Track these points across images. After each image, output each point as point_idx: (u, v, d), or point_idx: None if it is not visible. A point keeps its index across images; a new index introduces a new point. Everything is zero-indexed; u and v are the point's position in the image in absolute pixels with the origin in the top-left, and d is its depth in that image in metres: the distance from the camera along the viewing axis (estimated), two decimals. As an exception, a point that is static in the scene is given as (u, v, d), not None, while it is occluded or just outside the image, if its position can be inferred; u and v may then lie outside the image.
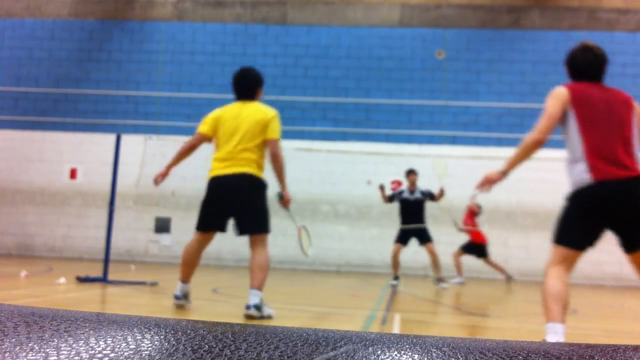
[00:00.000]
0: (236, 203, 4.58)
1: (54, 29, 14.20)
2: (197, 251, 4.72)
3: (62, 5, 14.25)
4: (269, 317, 4.43)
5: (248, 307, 4.35)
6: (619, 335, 4.72)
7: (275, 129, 4.69)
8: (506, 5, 13.43)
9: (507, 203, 12.62)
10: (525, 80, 13.13)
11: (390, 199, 9.22)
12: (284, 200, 4.96)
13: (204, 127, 4.77)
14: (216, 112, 4.79)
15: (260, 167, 4.66)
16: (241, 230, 4.64)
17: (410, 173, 9.22)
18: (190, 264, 4.70)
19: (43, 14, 14.26)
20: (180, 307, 4.75)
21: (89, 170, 13.44)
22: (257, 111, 4.69)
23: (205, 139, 4.78)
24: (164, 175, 4.92)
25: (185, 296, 4.75)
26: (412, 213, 9.05)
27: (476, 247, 10.64)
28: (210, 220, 4.66)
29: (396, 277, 9.07)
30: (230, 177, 4.56)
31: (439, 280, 8.92)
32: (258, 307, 4.34)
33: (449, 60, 13.14)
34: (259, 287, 4.45)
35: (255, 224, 4.63)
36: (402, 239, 9.08)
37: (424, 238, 9.00)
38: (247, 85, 4.79)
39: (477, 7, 13.47)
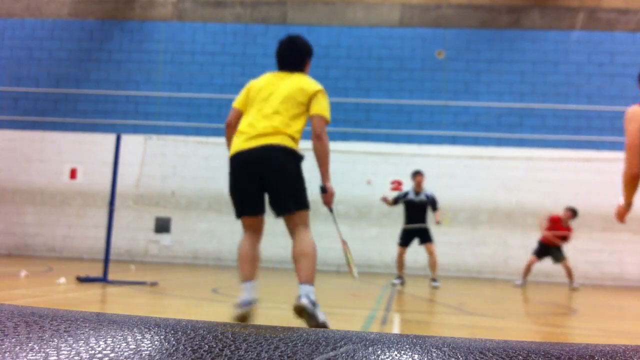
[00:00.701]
0: (266, 180, 3.82)
1: (54, 29, 14.20)
2: (250, 243, 3.92)
3: (62, 5, 14.25)
4: (323, 325, 3.52)
5: (300, 297, 3.54)
6: (619, 335, 4.72)
7: (322, 105, 3.93)
8: (506, 5, 13.43)
9: (507, 203, 12.62)
10: (525, 80, 13.13)
11: (395, 201, 9.27)
12: (326, 194, 4.02)
13: (236, 100, 4.07)
14: (251, 83, 4.10)
15: (294, 141, 3.91)
16: (277, 211, 3.87)
17: (417, 174, 9.29)
18: (247, 258, 3.87)
19: (43, 14, 14.26)
20: (243, 319, 3.72)
21: (89, 170, 13.44)
22: (301, 80, 3.95)
23: (238, 113, 4.02)
24: None
25: (250, 302, 3.72)
26: (416, 214, 9.12)
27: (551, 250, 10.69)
28: (244, 204, 3.91)
29: (399, 277, 9.15)
30: (255, 151, 3.76)
31: (434, 280, 9.00)
32: (312, 303, 3.53)
33: (449, 60, 13.14)
34: (308, 280, 3.62)
35: (291, 201, 3.81)
36: (405, 241, 9.18)
37: (426, 238, 9.07)
38: (294, 53, 4.07)
39: (477, 7, 13.47)
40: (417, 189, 9.20)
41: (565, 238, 10.49)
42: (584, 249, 12.44)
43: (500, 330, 4.58)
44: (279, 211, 3.86)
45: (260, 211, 3.94)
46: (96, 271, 7.52)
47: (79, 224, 13.41)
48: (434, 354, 0.41)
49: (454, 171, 12.65)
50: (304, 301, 3.50)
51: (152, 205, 13.10)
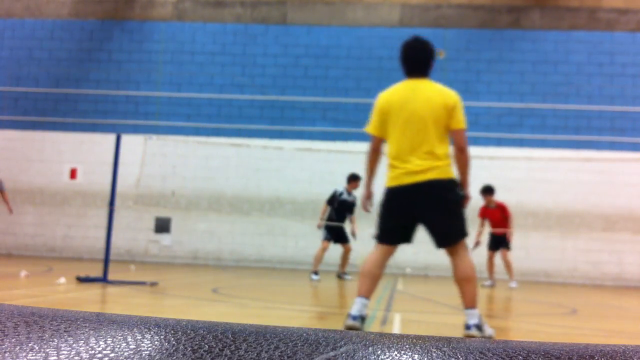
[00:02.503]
0: (427, 215, 3.83)
1: (54, 29, 14.20)
2: (382, 263, 3.91)
3: (62, 5, 14.25)
4: (490, 337, 3.65)
5: (468, 327, 3.71)
6: (619, 335, 4.72)
7: (461, 116, 3.87)
8: (506, 5, 13.43)
9: (507, 203, 12.60)
10: (525, 80, 13.13)
11: (329, 203, 9.85)
12: (465, 199, 4.05)
13: (371, 127, 4.01)
14: (381, 101, 3.96)
15: (447, 162, 3.85)
16: (439, 243, 3.88)
17: (356, 179, 9.77)
18: (373, 276, 3.86)
19: (43, 14, 14.26)
20: (354, 328, 3.73)
21: (89, 170, 13.44)
22: (437, 93, 3.87)
23: (379, 140, 4.00)
24: (368, 197, 4.14)
25: (361, 318, 3.78)
26: (344, 213, 9.86)
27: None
28: (395, 234, 3.92)
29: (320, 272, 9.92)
30: (417, 187, 3.76)
31: (344, 274, 9.91)
32: (479, 327, 3.70)
33: (449, 60, 13.14)
34: (472, 305, 3.75)
35: (454, 232, 3.84)
36: (333, 237, 9.86)
37: (347, 239, 9.87)
38: (421, 57, 3.94)
39: (477, 7, 13.47)
40: (349, 191, 9.84)
41: (504, 220, 10.18)
42: (584, 249, 12.44)
43: (500, 330, 4.58)
44: (441, 245, 3.88)
45: (405, 241, 3.96)
46: (96, 271, 7.51)
47: (79, 224, 13.41)
48: (434, 354, 0.41)
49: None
50: (474, 332, 3.64)
51: (152, 205, 13.10)
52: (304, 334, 0.43)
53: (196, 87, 13.70)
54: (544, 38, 13.28)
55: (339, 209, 9.71)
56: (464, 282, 3.75)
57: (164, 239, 13.26)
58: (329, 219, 9.75)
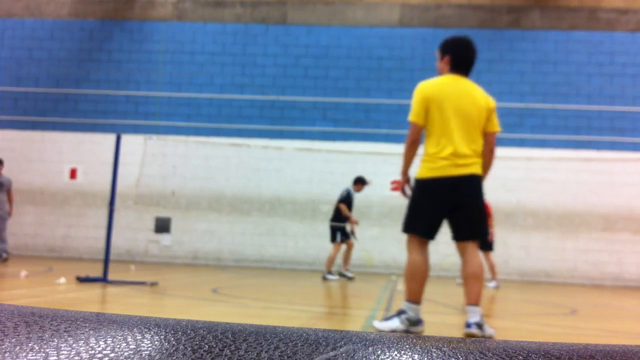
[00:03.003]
0: (462, 208, 3.91)
1: (54, 29, 14.19)
2: (427, 261, 3.95)
3: (62, 5, 14.25)
4: (490, 337, 3.67)
5: (469, 325, 3.73)
6: (619, 335, 4.72)
7: (497, 120, 4.11)
8: (506, 5, 13.43)
9: (507, 203, 12.61)
10: (525, 80, 13.13)
11: (346, 202, 10.03)
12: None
13: (417, 116, 3.96)
14: (427, 92, 3.95)
15: (480, 160, 4.01)
16: (464, 235, 3.94)
17: (363, 183, 10.14)
18: (424, 279, 3.88)
19: (43, 14, 14.26)
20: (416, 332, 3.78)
21: (89, 170, 13.44)
22: (481, 94, 4.02)
23: (421, 130, 3.99)
24: (403, 182, 4.15)
25: (418, 321, 3.82)
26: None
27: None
28: (435, 226, 3.96)
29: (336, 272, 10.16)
30: (462, 179, 3.87)
31: (346, 272, 10.05)
32: (479, 325, 3.72)
33: (449, 60, 13.13)
34: (477, 302, 3.79)
35: (480, 228, 3.98)
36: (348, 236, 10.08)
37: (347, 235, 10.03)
38: (473, 57, 4.03)
39: (477, 7, 13.47)
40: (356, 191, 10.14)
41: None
42: (584, 249, 12.44)
43: (500, 330, 4.58)
44: (460, 237, 3.95)
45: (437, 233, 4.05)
46: (96, 271, 7.52)
47: (79, 224, 13.41)
48: (434, 354, 0.41)
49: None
50: (474, 331, 3.69)
51: (152, 205, 13.11)
52: (304, 334, 0.43)
53: (196, 87, 13.70)
54: (544, 38, 13.28)
55: (348, 208, 10.00)
56: (473, 279, 3.80)
57: (164, 239, 13.26)
58: (338, 219, 9.86)
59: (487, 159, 4.05)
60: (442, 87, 3.96)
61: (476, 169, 3.92)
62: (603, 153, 12.27)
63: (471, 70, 4.07)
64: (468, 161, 3.87)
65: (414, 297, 3.82)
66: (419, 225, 3.93)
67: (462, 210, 3.89)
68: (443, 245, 11.63)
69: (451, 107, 3.88)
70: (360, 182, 10.07)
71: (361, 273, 11.85)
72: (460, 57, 4.02)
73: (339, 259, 10.39)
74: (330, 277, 9.62)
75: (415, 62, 13.10)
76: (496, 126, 4.06)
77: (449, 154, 3.84)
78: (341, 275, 10.06)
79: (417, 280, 3.83)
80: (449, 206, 3.89)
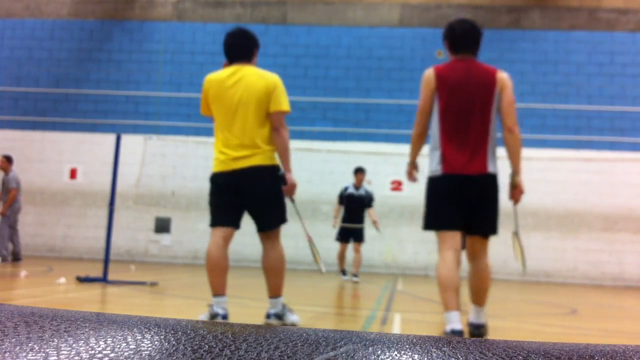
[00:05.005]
0: (248, 201, 4.02)
1: (54, 29, 14.19)
2: (224, 252, 4.23)
3: (62, 5, 14.25)
4: (293, 325, 3.86)
5: (268, 316, 3.93)
6: (619, 335, 4.72)
7: (279, 98, 3.88)
8: (506, 5, 13.43)
9: (507, 203, 12.60)
10: (525, 80, 13.12)
11: (339, 201, 9.87)
12: (287, 185, 4.07)
13: (202, 107, 4.13)
14: (205, 84, 4.04)
15: (271, 146, 3.93)
16: (259, 227, 4.08)
17: (359, 172, 9.84)
18: (219, 271, 4.27)
19: (43, 14, 14.25)
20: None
21: (89, 170, 13.44)
22: (258, 77, 3.89)
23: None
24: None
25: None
26: (356, 210, 9.72)
27: None
28: (222, 216, 4.18)
29: (343, 271, 9.94)
30: (238, 173, 3.95)
31: (355, 275, 9.71)
32: (279, 316, 3.90)
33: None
34: (275, 294, 3.94)
35: (270, 219, 4.01)
36: (345, 237, 9.79)
37: (359, 238, 9.73)
38: (242, 44, 3.97)
39: (477, 7, 13.47)
40: (357, 185, 9.83)
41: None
42: (584, 249, 12.44)
43: (500, 330, 4.58)
44: (260, 229, 4.06)
45: (235, 227, 4.23)
46: (96, 271, 7.51)
47: (79, 224, 13.41)
48: (434, 354, 0.41)
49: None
50: (272, 321, 3.88)
51: (152, 205, 13.10)
52: (304, 334, 0.43)
53: (196, 87, 13.68)
54: (544, 38, 13.27)
55: (348, 206, 9.77)
56: (270, 273, 3.95)
57: (164, 239, 13.26)
58: (351, 219, 9.75)
59: (275, 141, 3.99)
60: (211, 81, 3.98)
61: (251, 162, 3.94)
62: (603, 153, 12.27)
63: (246, 53, 3.98)
64: (239, 151, 3.98)
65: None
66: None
67: (249, 204, 4.08)
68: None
69: (221, 100, 3.93)
70: (358, 172, 9.82)
71: (361, 273, 11.84)
72: (225, 50, 4.02)
73: (349, 259, 10.40)
74: (354, 279, 9.48)
75: (415, 62, 13.09)
76: (276, 104, 3.91)
77: (219, 147, 4.14)
78: (342, 273, 10.03)
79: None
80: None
